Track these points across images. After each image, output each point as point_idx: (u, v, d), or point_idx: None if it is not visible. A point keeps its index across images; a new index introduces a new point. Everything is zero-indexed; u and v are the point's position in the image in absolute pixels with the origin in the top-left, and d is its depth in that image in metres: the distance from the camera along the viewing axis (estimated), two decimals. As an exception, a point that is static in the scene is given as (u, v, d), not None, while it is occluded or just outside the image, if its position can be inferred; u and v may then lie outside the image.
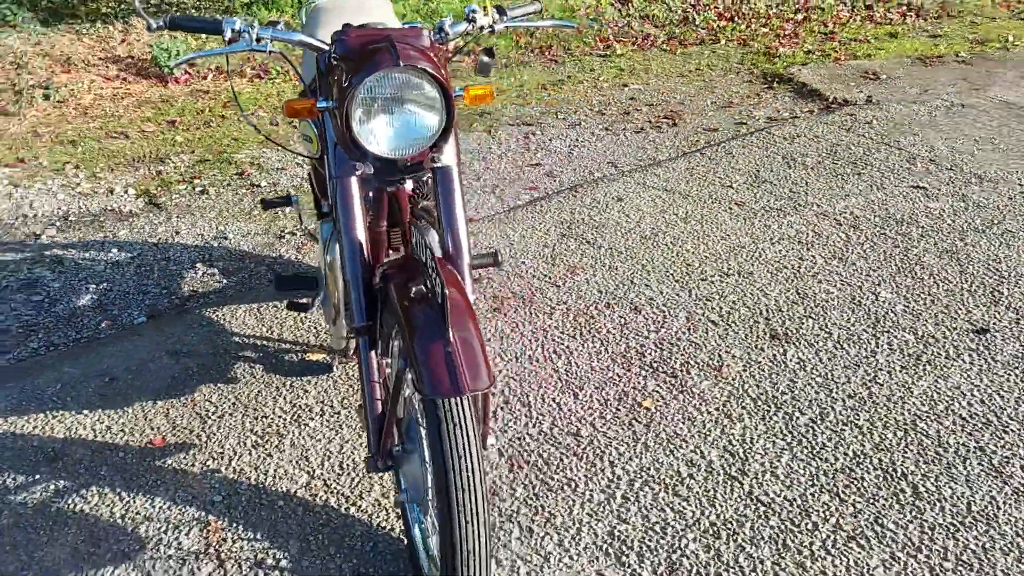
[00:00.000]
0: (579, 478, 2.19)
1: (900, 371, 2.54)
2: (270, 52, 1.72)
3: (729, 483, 2.17)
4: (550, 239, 3.39)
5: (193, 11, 6.61)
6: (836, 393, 2.47)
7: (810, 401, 2.44)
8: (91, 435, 2.41)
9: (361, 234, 1.75)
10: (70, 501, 2.17)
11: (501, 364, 2.63)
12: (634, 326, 2.82)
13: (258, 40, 1.71)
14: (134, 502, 2.16)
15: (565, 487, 2.17)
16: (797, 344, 2.69)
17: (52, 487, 2.22)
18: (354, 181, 1.76)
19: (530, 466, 2.24)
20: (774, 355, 2.64)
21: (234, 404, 2.51)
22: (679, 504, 2.11)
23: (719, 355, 2.66)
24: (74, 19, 6.63)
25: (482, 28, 1.82)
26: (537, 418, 2.41)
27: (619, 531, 2.04)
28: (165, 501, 2.16)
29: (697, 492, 2.14)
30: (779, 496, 2.12)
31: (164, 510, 2.14)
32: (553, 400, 2.48)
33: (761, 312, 2.87)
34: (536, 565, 1.95)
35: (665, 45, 6.04)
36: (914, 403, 2.41)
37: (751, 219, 3.51)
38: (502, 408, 2.45)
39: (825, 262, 3.16)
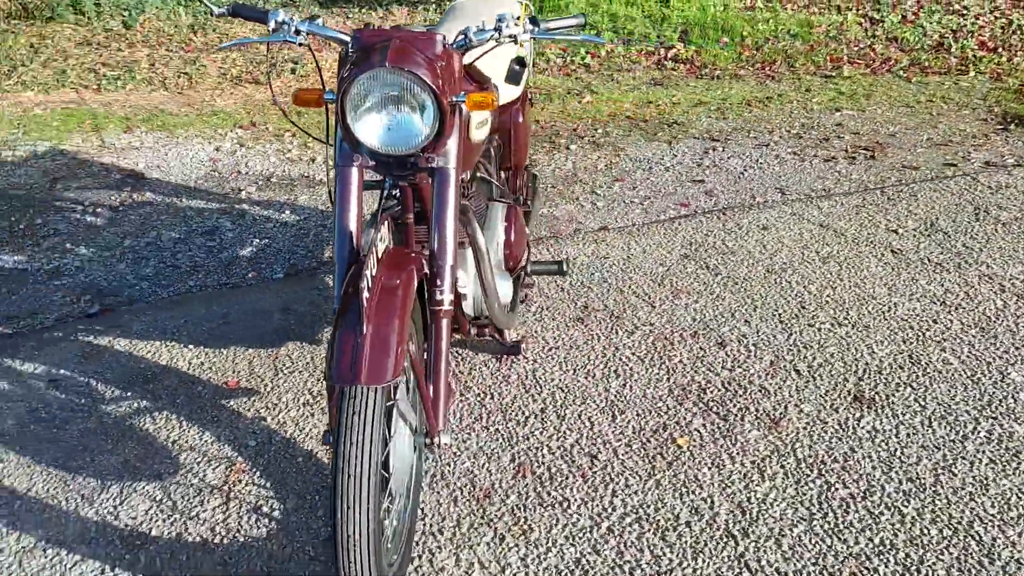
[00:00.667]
0: (574, 499, 2.16)
1: (986, 464, 2.21)
2: (300, 44, 1.87)
3: (724, 540, 2.03)
4: (670, 259, 3.30)
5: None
6: (895, 473, 2.20)
7: (860, 475, 2.20)
8: (186, 367, 2.76)
9: (353, 223, 1.86)
10: (143, 419, 2.51)
11: (558, 374, 2.63)
12: (710, 360, 2.68)
13: (296, 32, 1.87)
14: (187, 432, 2.46)
15: (556, 505, 2.15)
16: (879, 412, 2.42)
17: (136, 405, 2.58)
18: (354, 171, 1.87)
19: (534, 476, 2.24)
20: (846, 418, 2.40)
21: (307, 364, 2.74)
22: (661, 549, 2.02)
23: (785, 407, 2.46)
24: (348, 4, 7.38)
25: (509, 38, 1.85)
26: (564, 432, 2.39)
27: (587, 560, 1.99)
28: (211, 436, 2.43)
29: (686, 542, 2.03)
30: (770, 566, 1.95)
31: (206, 444, 2.40)
32: (588, 418, 2.44)
33: (856, 371, 2.61)
34: (491, 573, 1.97)
35: (903, 71, 5.53)
36: (983, 503, 2.09)
37: (899, 270, 3.17)
38: (536, 416, 2.45)
39: (962, 329, 2.79)
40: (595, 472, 2.25)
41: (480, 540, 2.05)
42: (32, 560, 2.02)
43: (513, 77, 1.91)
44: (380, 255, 1.68)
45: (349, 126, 1.75)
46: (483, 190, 2.43)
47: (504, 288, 2.35)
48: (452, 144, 1.84)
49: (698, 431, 2.38)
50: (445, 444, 1.88)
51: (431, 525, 2.09)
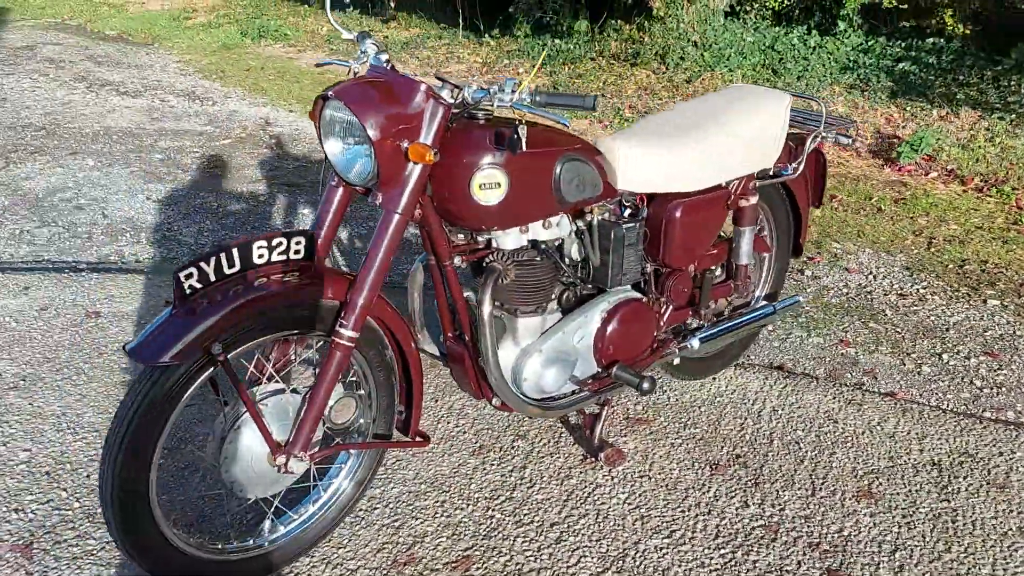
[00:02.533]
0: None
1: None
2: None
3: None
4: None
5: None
6: None
7: None
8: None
9: (321, 236, 1.89)
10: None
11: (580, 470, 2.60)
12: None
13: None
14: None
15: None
16: None
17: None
18: (336, 190, 1.91)
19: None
20: None
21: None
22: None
23: None
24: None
25: (499, 101, 1.86)
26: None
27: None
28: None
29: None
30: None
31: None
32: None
33: None
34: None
35: None
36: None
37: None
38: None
39: None
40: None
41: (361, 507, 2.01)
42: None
43: (510, 145, 1.91)
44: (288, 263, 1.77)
45: (321, 143, 1.83)
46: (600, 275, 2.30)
47: (537, 372, 2.20)
48: (401, 191, 1.83)
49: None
50: (280, 464, 1.85)
51: None
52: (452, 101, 1.85)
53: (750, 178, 2.53)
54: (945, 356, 3.15)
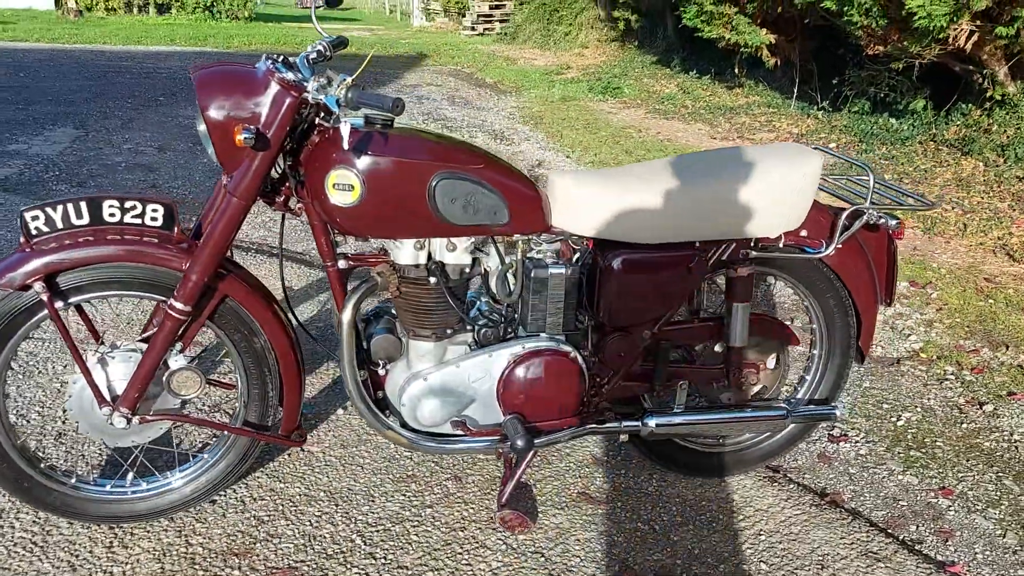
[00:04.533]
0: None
1: None
2: None
3: None
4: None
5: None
6: None
7: None
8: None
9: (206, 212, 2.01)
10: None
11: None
12: None
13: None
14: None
15: None
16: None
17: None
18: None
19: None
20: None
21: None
22: None
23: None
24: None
25: (322, 93, 1.80)
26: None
27: None
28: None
29: None
30: None
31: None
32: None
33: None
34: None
35: None
36: None
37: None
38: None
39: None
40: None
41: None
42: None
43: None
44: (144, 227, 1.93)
45: None
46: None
47: (415, 400, 2.08)
48: (240, 175, 1.87)
49: (564, 594, 2.00)
50: (105, 415, 1.99)
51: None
52: (319, 97, 1.82)
53: (741, 244, 2.12)
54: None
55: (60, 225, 1.88)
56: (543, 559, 2.13)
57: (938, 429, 2.86)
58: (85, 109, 7.54)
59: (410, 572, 2.06)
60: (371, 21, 22.34)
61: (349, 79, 1.77)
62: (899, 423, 2.89)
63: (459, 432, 2.13)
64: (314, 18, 2.22)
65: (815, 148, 2.31)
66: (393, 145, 1.88)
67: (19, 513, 2.16)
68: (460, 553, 2.13)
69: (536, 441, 2.12)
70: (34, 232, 1.87)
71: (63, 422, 2.56)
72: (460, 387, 2.10)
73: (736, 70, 9.59)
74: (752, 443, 2.45)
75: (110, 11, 19.30)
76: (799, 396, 2.44)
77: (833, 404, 2.36)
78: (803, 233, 2.17)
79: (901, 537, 2.30)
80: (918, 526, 2.35)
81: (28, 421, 2.57)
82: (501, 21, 17.46)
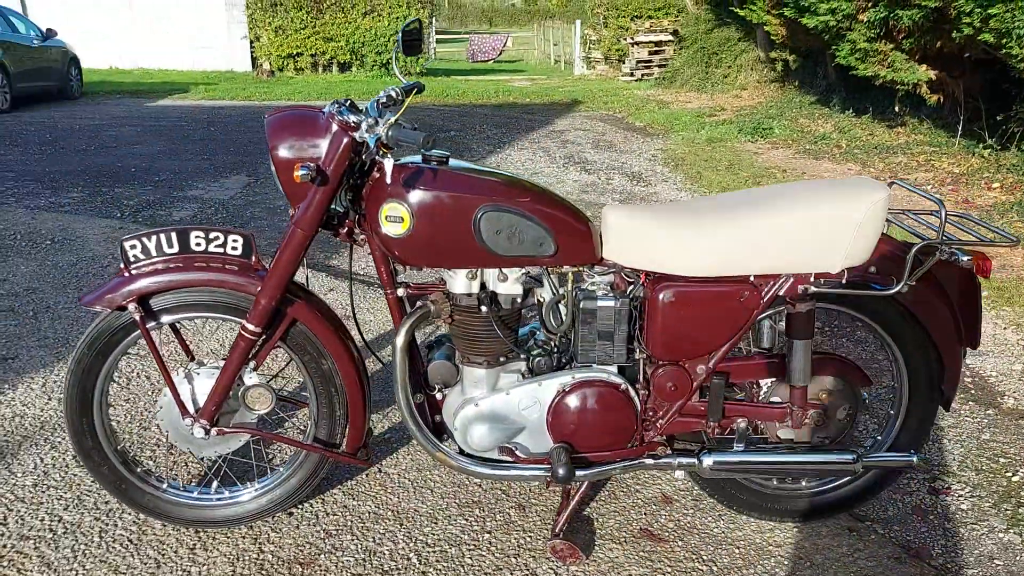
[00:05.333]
0: None
1: None
2: None
3: None
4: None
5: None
6: None
7: None
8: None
9: None
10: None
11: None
12: None
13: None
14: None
15: None
16: None
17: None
18: None
19: None
20: None
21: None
22: None
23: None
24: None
25: (369, 130, 1.93)
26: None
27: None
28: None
29: None
30: None
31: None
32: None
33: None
34: None
35: None
36: None
37: None
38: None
39: None
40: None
41: None
42: None
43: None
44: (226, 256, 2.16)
45: None
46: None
47: (466, 424, 2.16)
48: (303, 208, 2.03)
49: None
50: (188, 425, 2.20)
51: None
52: (365, 136, 1.97)
53: (799, 279, 2.05)
54: None
55: (154, 253, 2.12)
56: (590, 592, 2.13)
57: (1060, 488, 2.60)
58: (259, 159, 8.24)
59: (458, 593, 2.12)
60: (535, 72, 22.96)
61: (392, 118, 1.91)
62: (1014, 479, 2.65)
63: (508, 459, 2.18)
64: (395, 66, 2.38)
65: (894, 183, 2.22)
66: (441, 180, 1.99)
67: (123, 513, 2.40)
68: (510, 578, 2.17)
69: (582, 473, 2.13)
70: (132, 259, 2.11)
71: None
72: (510, 414, 2.16)
73: (897, 108, 9.13)
74: (825, 488, 2.34)
75: (299, 71, 20.95)
76: (879, 442, 2.31)
77: (912, 451, 2.22)
78: (872, 269, 2.08)
79: (986, 598, 2.12)
80: (1010, 588, 2.16)
81: (136, 435, 2.85)
82: (660, 66, 17.48)
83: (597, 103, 13.66)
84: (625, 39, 18.59)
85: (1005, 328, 3.90)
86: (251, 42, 20.14)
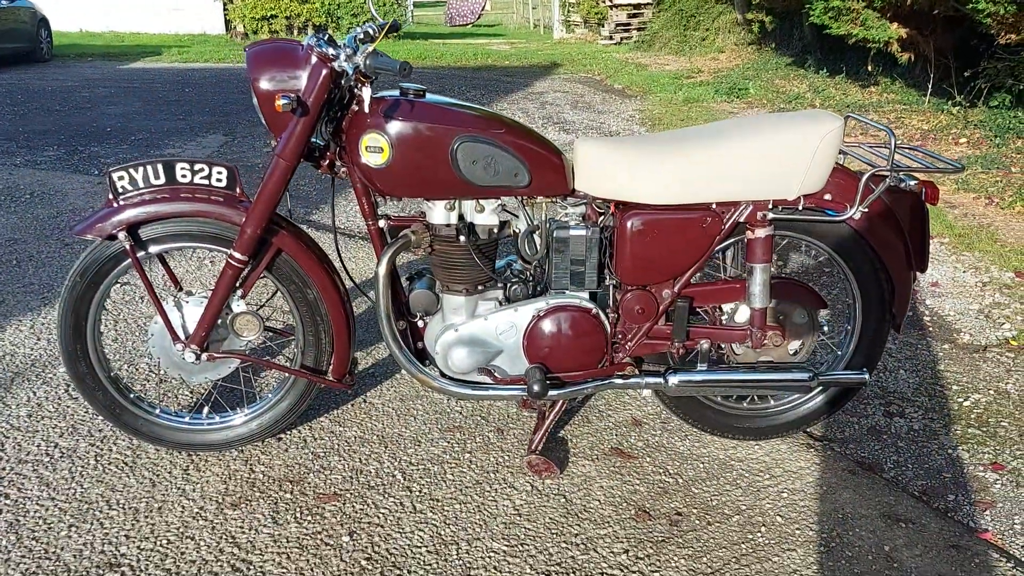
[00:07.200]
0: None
1: None
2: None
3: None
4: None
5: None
6: None
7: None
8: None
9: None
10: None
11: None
12: (686, 484, 2.32)
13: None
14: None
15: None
16: None
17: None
18: None
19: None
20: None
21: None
22: None
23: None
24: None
25: (348, 58, 2.02)
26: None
27: None
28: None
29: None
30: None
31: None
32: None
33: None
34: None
35: None
36: None
37: None
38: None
39: None
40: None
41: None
42: None
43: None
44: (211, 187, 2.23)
45: None
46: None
47: (446, 348, 2.26)
48: (283, 138, 2.10)
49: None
50: (178, 351, 2.29)
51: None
52: (344, 65, 2.04)
53: (758, 206, 2.18)
54: None
55: (141, 184, 2.20)
56: (564, 500, 2.26)
57: (1007, 411, 2.76)
58: (236, 119, 8.23)
59: (440, 504, 2.25)
60: (515, 36, 22.85)
61: (371, 47, 1.99)
62: (965, 403, 2.82)
63: (487, 380, 2.30)
64: (371, 4, 2.45)
65: (848, 116, 2.34)
66: (419, 111, 2.08)
67: (117, 439, 2.50)
68: (488, 491, 2.30)
69: (556, 392, 2.26)
70: (120, 190, 2.19)
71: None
72: (488, 338, 2.27)
73: (869, 68, 9.26)
74: (784, 407, 2.49)
75: (273, 33, 20.75)
76: (834, 362, 2.46)
77: (863, 369, 2.36)
78: (826, 197, 2.20)
79: (935, 505, 2.28)
80: (957, 496, 2.32)
81: (132, 367, 2.94)
82: (639, 29, 17.49)
83: (576, 66, 13.68)
84: (604, 2, 18.55)
85: (964, 271, 4.06)
86: (224, 4, 19.88)
